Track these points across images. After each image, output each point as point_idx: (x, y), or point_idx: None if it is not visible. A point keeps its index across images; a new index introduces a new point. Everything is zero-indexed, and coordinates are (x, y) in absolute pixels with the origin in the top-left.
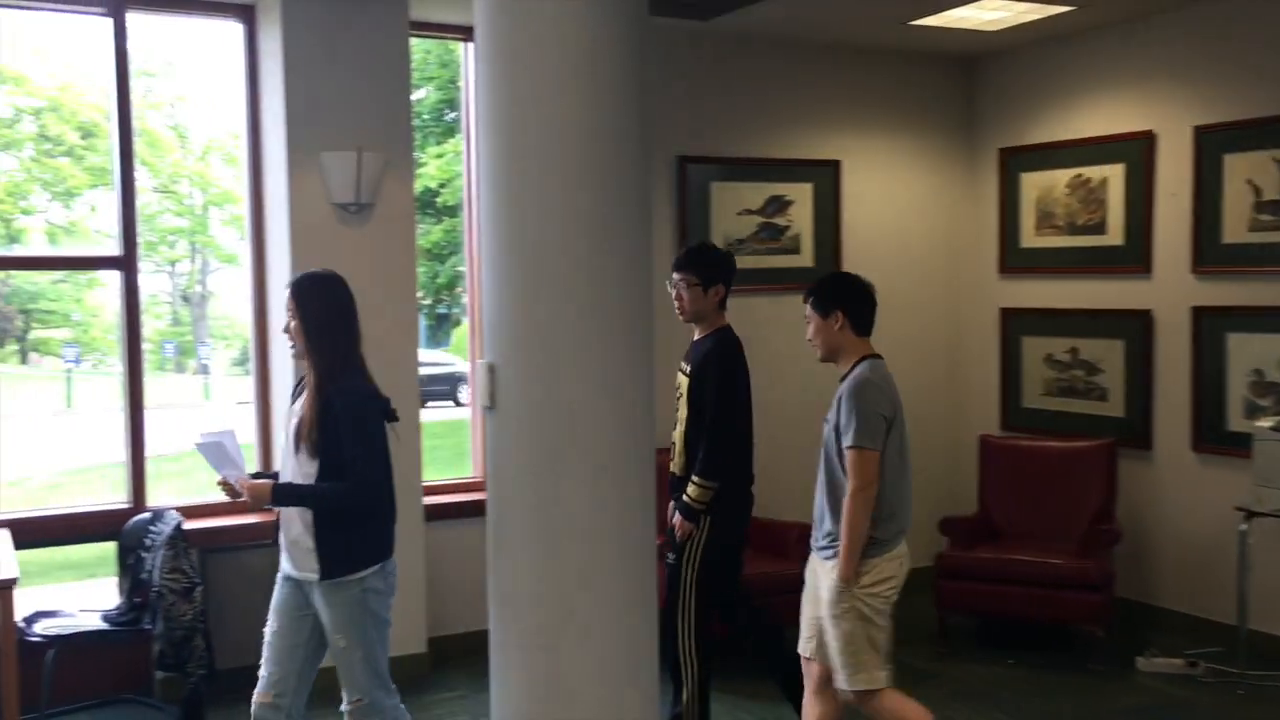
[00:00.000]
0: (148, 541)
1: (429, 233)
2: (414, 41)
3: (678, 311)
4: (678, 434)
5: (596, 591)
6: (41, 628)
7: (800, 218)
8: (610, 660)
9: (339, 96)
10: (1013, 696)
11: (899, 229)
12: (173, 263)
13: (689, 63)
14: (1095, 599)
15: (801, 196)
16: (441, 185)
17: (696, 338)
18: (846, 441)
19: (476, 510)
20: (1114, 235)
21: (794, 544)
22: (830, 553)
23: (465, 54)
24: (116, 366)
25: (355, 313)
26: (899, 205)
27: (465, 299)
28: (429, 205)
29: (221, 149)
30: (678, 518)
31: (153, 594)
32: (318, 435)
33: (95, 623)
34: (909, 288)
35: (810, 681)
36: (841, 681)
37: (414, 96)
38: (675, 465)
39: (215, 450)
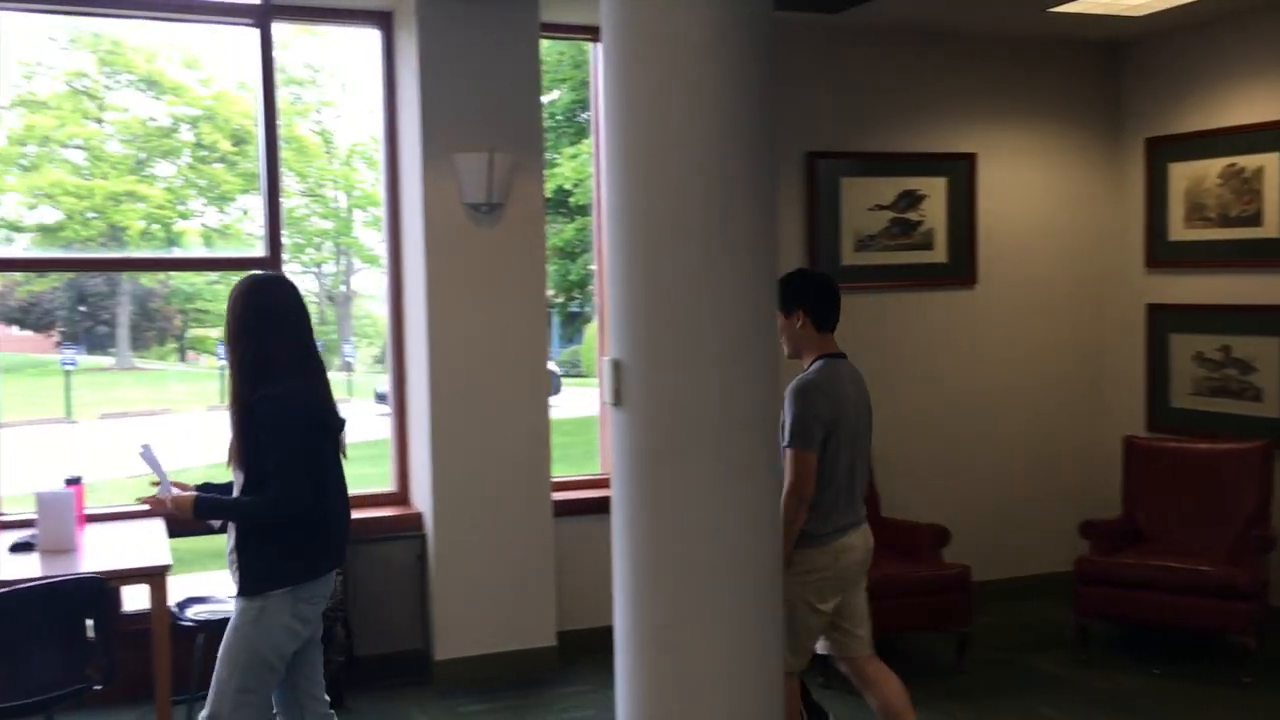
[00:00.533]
0: None
1: (561, 231)
2: (547, 43)
3: None
4: None
5: (720, 588)
6: (193, 613)
7: (933, 212)
8: (734, 658)
9: (472, 98)
10: (1157, 708)
11: (1038, 223)
12: (319, 264)
13: (818, 57)
14: (1247, 608)
15: (935, 191)
16: (575, 185)
17: None
18: (783, 441)
19: (604, 506)
20: (1270, 227)
21: (925, 547)
22: None
23: (595, 54)
24: None
25: (284, 316)
26: (1038, 198)
27: (596, 296)
28: (562, 205)
29: (364, 153)
30: None
31: None
32: (240, 446)
33: None
34: (1050, 284)
35: (855, 679)
36: None
37: (547, 98)
38: None
39: (149, 459)
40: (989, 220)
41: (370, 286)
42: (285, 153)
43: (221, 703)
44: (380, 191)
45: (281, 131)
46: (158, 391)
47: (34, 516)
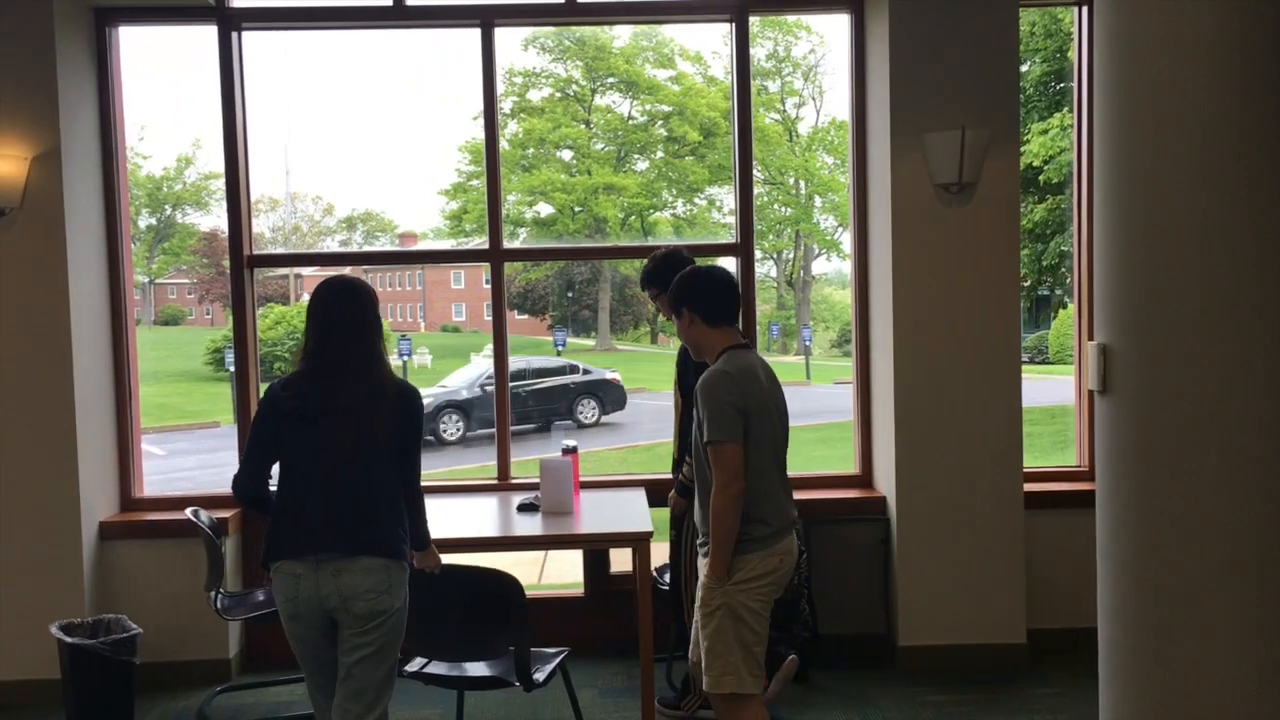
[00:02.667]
0: None
1: (1031, 212)
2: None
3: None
4: (676, 420)
5: (1226, 594)
6: (670, 578)
7: None
8: (1239, 669)
9: (943, 75)
10: None
11: None
12: (779, 251)
13: None
14: None
15: None
16: (1045, 162)
17: None
18: (704, 437)
19: (1079, 501)
20: None
21: None
22: (706, 549)
23: (1079, 19)
24: None
25: (313, 314)
26: None
27: (1069, 280)
28: (1030, 184)
29: (824, 140)
30: (673, 494)
31: None
32: None
33: None
34: None
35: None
36: (706, 684)
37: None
38: (676, 448)
39: None
40: None
41: (828, 271)
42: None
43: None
44: (847, 175)
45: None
46: (633, 371)
47: (536, 480)
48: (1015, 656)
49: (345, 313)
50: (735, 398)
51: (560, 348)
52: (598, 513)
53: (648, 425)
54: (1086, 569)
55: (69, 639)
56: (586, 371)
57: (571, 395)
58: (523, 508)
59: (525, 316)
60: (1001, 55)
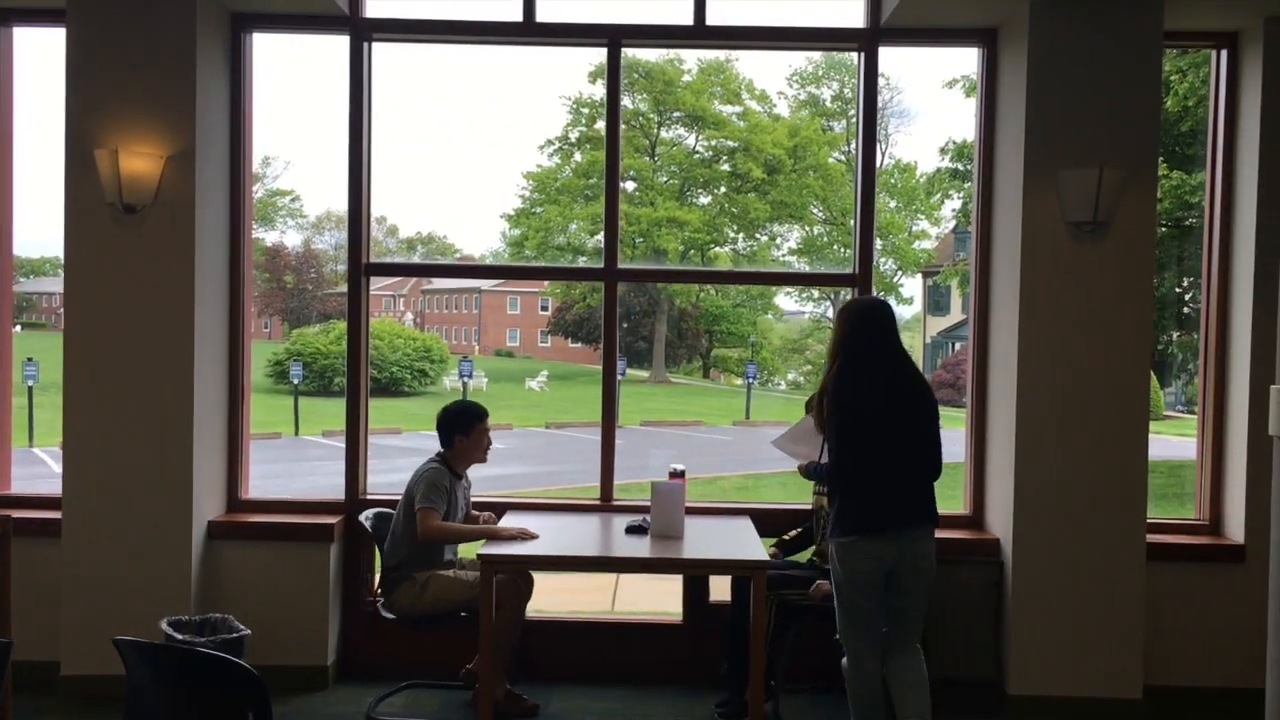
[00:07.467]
0: None
1: None
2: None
3: None
4: None
5: None
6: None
7: None
8: None
9: (1081, 112)
10: None
11: None
12: (837, 291)
13: None
14: None
15: None
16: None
17: None
18: None
19: (1200, 555)
20: None
21: None
22: None
23: (1216, 64)
24: (780, 386)
25: (843, 325)
26: None
27: (1201, 326)
28: None
29: (886, 182)
30: None
31: None
32: None
33: None
34: None
35: None
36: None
37: None
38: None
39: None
40: None
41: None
42: (811, 180)
43: None
44: (973, 210)
45: (812, 160)
46: (686, 404)
47: (637, 502)
48: (1130, 713)
49: (880, 322)
50: None
51: (620, 376)
52: (705, 538)
53: (698, 459)
54: (1205, 624)
55: (179, 635)
56: None
57: None
58: (631, 530)
59: (579, 345)
60: (1143, 96)
